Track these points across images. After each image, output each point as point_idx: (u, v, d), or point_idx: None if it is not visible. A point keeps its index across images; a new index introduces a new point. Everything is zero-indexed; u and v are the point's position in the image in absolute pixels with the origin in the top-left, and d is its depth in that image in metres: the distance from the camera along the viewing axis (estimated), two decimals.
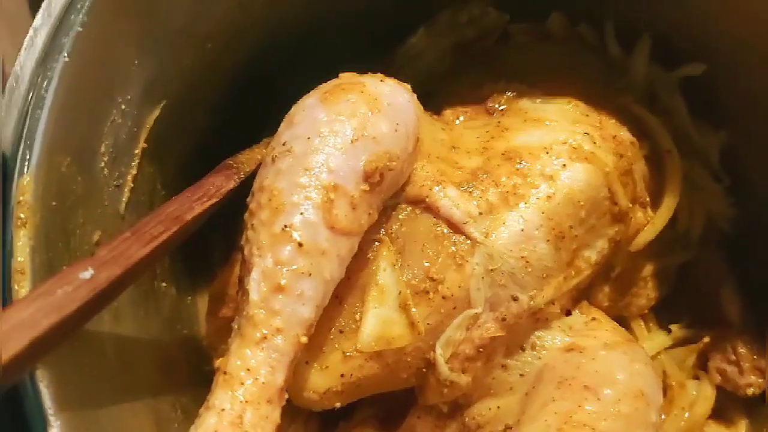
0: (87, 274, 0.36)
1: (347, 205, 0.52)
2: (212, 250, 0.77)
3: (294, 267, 0.49)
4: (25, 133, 0.43)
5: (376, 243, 0.59)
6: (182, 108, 0.62)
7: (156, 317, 0.61)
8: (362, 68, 0.71)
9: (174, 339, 0.66)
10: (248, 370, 0.46)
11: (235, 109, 0.71)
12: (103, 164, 0.51)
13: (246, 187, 0.57)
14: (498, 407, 0.62)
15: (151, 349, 0.59)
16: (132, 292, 0.54)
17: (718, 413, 0.73)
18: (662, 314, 0.77)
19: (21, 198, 0.41)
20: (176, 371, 0.65)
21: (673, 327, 0.76)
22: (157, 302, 0.62)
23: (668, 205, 0.71)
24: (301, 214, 0.50)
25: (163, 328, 0.63)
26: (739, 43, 0.67)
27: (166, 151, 0.61)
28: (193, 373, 0.68)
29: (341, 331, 0.57)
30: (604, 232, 0.66)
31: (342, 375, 0.56)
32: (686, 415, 0.72)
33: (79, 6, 0.45)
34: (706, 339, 0.74)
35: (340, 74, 0.59)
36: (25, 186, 0.42)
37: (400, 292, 0.57)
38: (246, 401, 0.45)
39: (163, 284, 0.64)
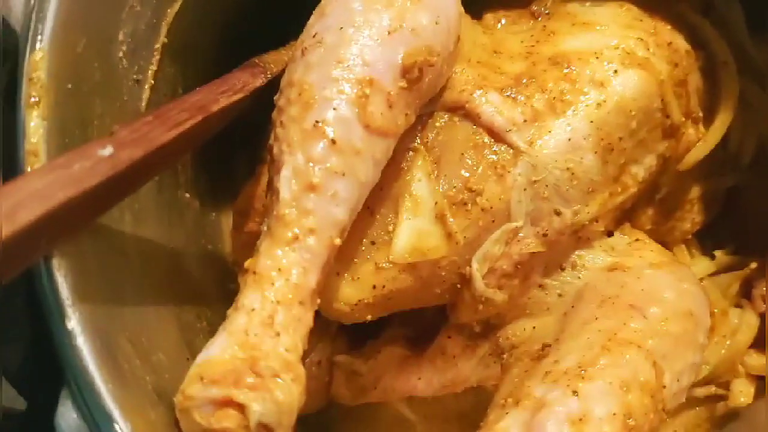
0: (106, 151, 0.33)
1: (383, 102, 0.48)
2: (236, 168, 0.74)
3: (327, 165, 0.46)
4: (35, 5, 0.39)
5: (411, 153, 0.56)
6: (204, 6, 0.58)
7: (179, 227, 0.59)
8: None
9: (198, 253, 0.64)
10: (279, 270, 0.43)
11: (260, 14, 0.67)
12: (121, 54, 0.47)
13: (270, 98, 0.54)
14: (534, 328, 0.60)
15: (175, 259, 0.57)
16: (154, 195, 0.52)
17: (759, 342, 0.70)
18: (706, 240, 0.74)
19: (33, 74, 0.38)
20: (201, 287, 0.63)
21: (717, 253, 0.73)
22: (180, 212, 0.60)
23: (722, 120, 0.67)
24: (334, 109, 0.47)
25: (187, 240, 0.61)
26: None
27: (188, 52, 0.57)
28: (218, 290, 0.66)
29: (373, 243, 0.54)
30: (654, 147, 0.62)
31: (374, 287, 0.54)
32: (727, 343, 0.69)
33: None
34: (753, 265, 0.71)
35: None
36: (38, 62, 0.38)
37: (436, 203, 0.54)
38: (277, 301, 0.43)
39: (186, 195, 0.62)
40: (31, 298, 0.36)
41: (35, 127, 0.37)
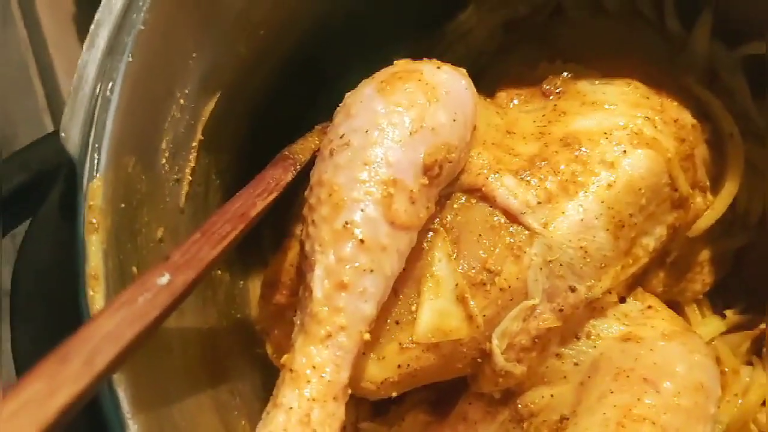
0: (164, 279, 0.37)
1: (406, 199, 0.51)
2: (262, 235, 0.77)
3: (356, 264, 0.49)
4: (92, 136, 0.43)
5: (431, 233, 0.59)
6: (235, 97, 0.61)
7: (213, 305, 0.62)
8: (411, 47, 0.69)
9: (229, 324, 0.67)
10: (314, 367, 0.47)
11: (284, 92, 0.70)
12: (164, 160, 0.51)
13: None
14: (551, 396, 0.62)
15: (210, 338, 0.60)
16: None
17: None
18: (716, 299, 0.75)
19: (92, 202, 0.42)
20: (231, 356, 0.66)
21: (728, 312, 0.74)
22: (213, 290, 0.63)
23: (729, 190, 0.69)
24: (362, 210, 0.50)
25: (219, 315, 0.64)
26: None
27: (220, 141, 0.61)
28: (246, 356, 0.69)
29: (397, 322, 0.57)
30: (663, 219, 0.64)
31: (399, 366, 0.56)
32: (739, 401, 0.71)
33: (140, 3, 0.44)
34: (763, 325, 0.72)
35: (396, 61, 0.58)
36: (95, 190, 0.42)
37: (456, 284, 0.57)
38: (313, 399, 0.46)
39: (218, 272, 0.65)
40: (89, 414, 0.39)
41: (95, 251, 0.41)
